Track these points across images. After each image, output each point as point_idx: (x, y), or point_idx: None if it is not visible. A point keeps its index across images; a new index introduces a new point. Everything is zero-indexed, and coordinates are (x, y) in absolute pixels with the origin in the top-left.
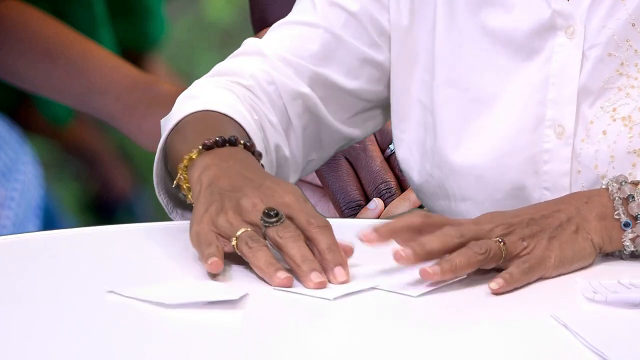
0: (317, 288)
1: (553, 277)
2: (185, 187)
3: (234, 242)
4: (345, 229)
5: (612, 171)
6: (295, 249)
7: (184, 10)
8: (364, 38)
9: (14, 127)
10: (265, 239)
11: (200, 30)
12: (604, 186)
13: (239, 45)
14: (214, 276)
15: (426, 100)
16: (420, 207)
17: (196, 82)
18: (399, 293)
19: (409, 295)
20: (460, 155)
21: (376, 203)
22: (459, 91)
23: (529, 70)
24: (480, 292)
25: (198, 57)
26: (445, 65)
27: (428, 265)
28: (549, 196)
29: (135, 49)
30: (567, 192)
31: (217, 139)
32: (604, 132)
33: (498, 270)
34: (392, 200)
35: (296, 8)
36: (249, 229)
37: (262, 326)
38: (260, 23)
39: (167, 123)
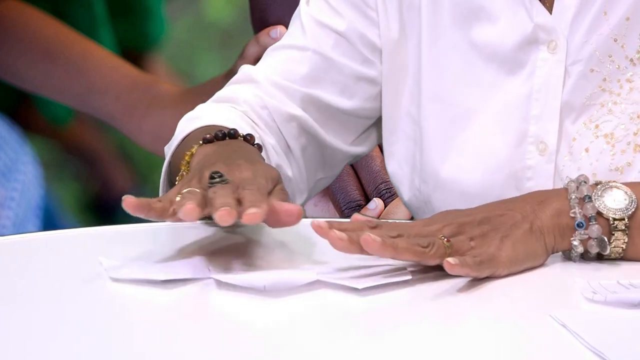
0: (222, 216)
1: (502, 277)
2: None
3: (177, 198)
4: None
5: None
6: (220, 199)
7: (184, 10)
8: (354, 56)
9: (14, 127)
10: None
11: (200, 30)
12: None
13: (239, 45)
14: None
15: (415, 114)
16: None
17: (197, 107)
18: (343, 285)
19: (354, 287)
20: (445, 170)
21: (376, 203)
22: (445, 106)
23: (512, 84)
24: (477, 292)
25: (198, 57)
26: (431, 80)
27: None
28: None
29: (135, 49)
30: None
31: (217, 132)
32: (587, 150)
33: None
34: (392, 200)
35: (287, 33)
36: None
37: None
38: (260, 23)
39: (171, 143)
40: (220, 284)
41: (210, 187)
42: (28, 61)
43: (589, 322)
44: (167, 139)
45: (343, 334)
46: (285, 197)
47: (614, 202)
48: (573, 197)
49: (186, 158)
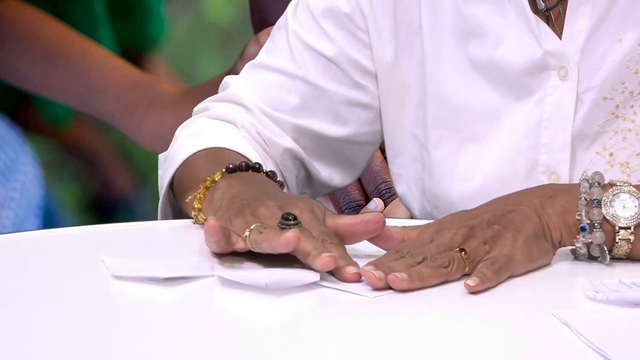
0: (327, 262)
1: (521, 275)
2: (197, 207)
3: (246, 234)
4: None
5: None
6: (310, 242)
7: (184, 10)
8: (345, 81)
9: (14, 127)
10: None
11: (200, 30)
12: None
13: (239, 45)
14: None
15: (422, 137)
16: None
17: (192, 120)
18: (353, 293)
19: (364, 296)
20: (455, 198)
21: (376, 203)
22: (451, 132)
23: (522, 110)
24: (479, 292)
25: (198, 57)
26: (435, 104)
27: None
28: None
29: (135, 49)
30: None
31: (242, 163)
32: None
33: None
34: (392, 200)
35: (272, 46)
36: (262, 224)
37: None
38: (260, 23)
39: (172, 160)
40: (222, 281)
41: (283, 227)
42: (28, 61)
43: (591, 321)
44: (167, 139)
45: (346, 333)
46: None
47: (624, 209)
48: (582, 197)
49: (207, 183)
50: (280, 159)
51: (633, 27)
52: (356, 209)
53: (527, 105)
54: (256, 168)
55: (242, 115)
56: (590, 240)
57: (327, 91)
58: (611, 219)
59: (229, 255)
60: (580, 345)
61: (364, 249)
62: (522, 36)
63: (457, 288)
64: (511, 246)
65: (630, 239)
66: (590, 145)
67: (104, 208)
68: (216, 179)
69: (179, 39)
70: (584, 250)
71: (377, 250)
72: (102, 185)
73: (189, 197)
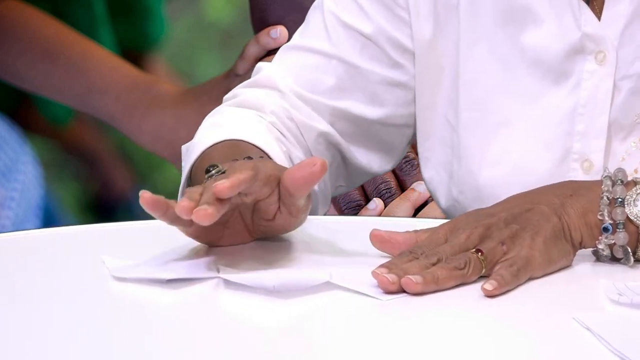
0: (181, 212)
1: (540, 277)
2: None
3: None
4: (349, 225)
5: None
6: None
7: (184, 10)
8: (383, 60)
9: (14, 127)
10: None
11: (200, 30)
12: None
13: (239, 45)
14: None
15: (453, 120)
16: (420, 208)
17: (218, 109)
18: (366, 295)
19: (377, 299)
20: (483, 183)
21: (376, 203)
22: (483, 114)
23: (556, 96)
24: (498, 296)
25: (198, 57)
26: (468, 85)
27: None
28: None
29: (135, 49)
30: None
31: (245, 159)
32: (636, 171)
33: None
34: (392, 200)
35: (307, 28)
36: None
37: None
38: (260, 23)
39: (191, 152)
40: (228, 283)
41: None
42: (28, 61)
43: (614, 325)
44: (167, 139)
45: (357, 338)
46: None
47: None
48: (604, 197)
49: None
50: (314, 144)
51: None
52: (356, 209)
53: (563, 90)
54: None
55: (273, 100)
56: (613, 241)
57: (364, 71)
58: (635, 219)
59: (235, 256)
60: (603, 351)
61: (375, 250)
62: (563, 17)
63: (473, 291)
64: (529, 247)
65: None
66: (627, 136)
67: (104, 208)
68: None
69: (179, 39)
70: (606, 252)
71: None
72: (102, 185)
73: None
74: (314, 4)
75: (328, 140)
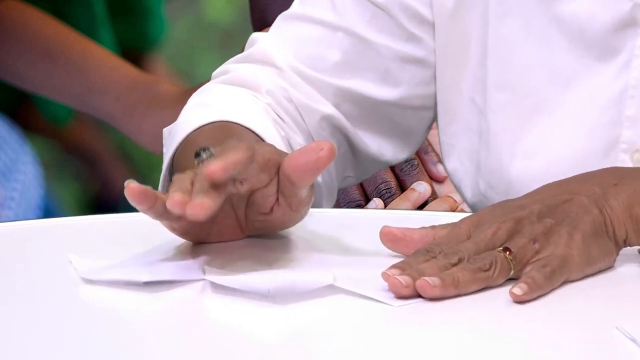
0: (173, 206)
1: (578, 280)
2: None
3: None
4: (356, 220)
5: None
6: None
7: (184, 10)
8: (396, 33)
9: (14, 127)
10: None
11: (200, 30)
12: None
13: (239, 45)
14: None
15: (480, 102)
16: (421, 207)
17: (206, 87)
18: (376, 300)
19: (388, 304)
20: (515, 178)
21: (376, 203)
22: (515, 97)
23: (602, 76)
24: (529, 300)
25: (198, 57)
26: (498, 63)
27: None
28: None
29: (135, 49)
30: None
31: None
32: None
33: None
34: (392, 200)
35: None
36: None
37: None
38: (260, 23)
39: (174, 135)
40: (215, 287)
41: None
42: (28, 61)
43: None
44: None
45: (363, 352)
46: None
47: None
48: None
49: (196, 169)
50: (317, 129)
51: None
52: (356, 209)
53: (610, 70)
54: None
55: (269, 78)
56: None
57: (375, 45)
58: None
59: (223, 255)
60: None
61: (387, 249)
62: None
63: (500, 296)
64: (566, 245)
65: None
66: None
67: (104, 208)
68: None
69: (179, 39)
70: None
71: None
72: (102, 185)
73: None
74: None
75: (333, 124)
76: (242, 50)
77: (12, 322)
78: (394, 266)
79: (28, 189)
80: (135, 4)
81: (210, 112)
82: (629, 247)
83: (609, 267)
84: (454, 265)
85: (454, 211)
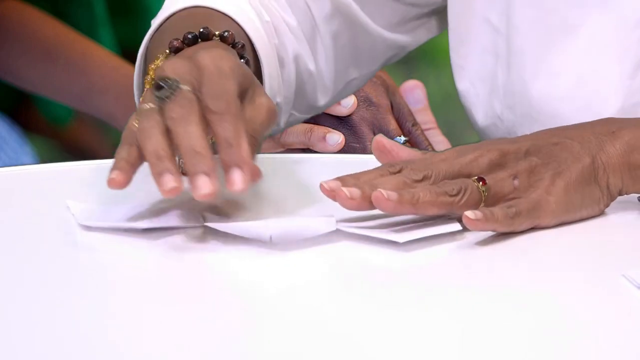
0: (169, 194)
1: (551, 227)
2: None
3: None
4: (348, 165)
5: None
6: (157, 140)
7: None
8: None
9: (14, 127)
10: None
11: None
12: None
13: None
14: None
15: (498, 22)
16: None
17: None
18: (377, 238)
19: (393, 241)
20: (537, 97)
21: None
22: (542, 13)
23: None
24: (534, 248)
25: None
26: None
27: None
28: None
29: (135, 49)
30: None
31: (188, 35)
32: None
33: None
34: None
35: None
36: (152, 105)
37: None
38: None
39: (153, 24)
40: (215, 234)
41: (159, 101)
42: (28, 61)
43: None
44: None
45: (369, 299)
46: (264, 120)
47: None
48: None
49: (150, 73)
50: (318, 3)
51: None
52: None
53: None
54: (205, 36)
55: None
56: None
57: None
58: None
59: (223, 203)
60: None
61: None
62: None
63: (507, 242)
64: (545, 190)
65: None
66: None
67: None
68: (158, 64)
69: None
70: None
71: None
72: None
73: (141, 98)
74: None
75: (335, 2)
76: None
77: (8, 270)
78: (337, 178)
79: None
80: (135, 4)
81: None
82: (626, 196)
83: (596, 215)
84: (418, 182)
85: None
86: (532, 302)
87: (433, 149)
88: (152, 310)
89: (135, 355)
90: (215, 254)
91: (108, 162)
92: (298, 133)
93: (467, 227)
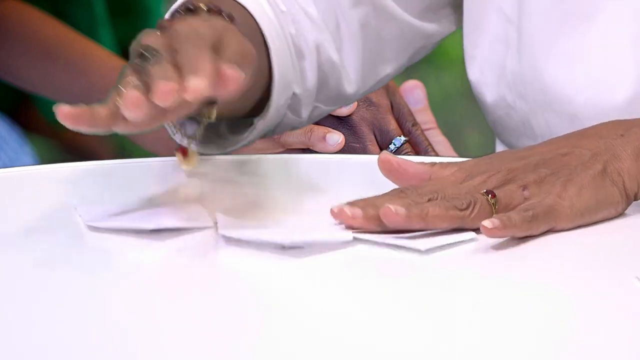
0: (163, 95)
1: (568, 230)
2: None
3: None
4: (351, 166)
5: None
6: (156, 74)
7: None
8: None
9: (14, 127)
10: None
11: None
12: None
13: None
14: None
15: (510, 11)
16: None
17: None
18: (402, 247)
19: (416, 250)
20: (550, 83)
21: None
22: (555, 1)
23: None
24: (547, 250)
25: None
26: None
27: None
28: None
29: None
30: None
31: (177, 10)
32: None
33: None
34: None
35: None
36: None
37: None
38: None
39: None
40: (227, 237)
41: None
42: (28, 61)
43: None
44: (167, 139)
45: (381, 299)
46: (239, 59)
47: None
48: None
49: None
50: None
51: None
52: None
53: None
54: (192, 9)
55: None
56: None
57: None
58: None
59: (234, 205)
60: None
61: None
62: None
63: (520, 245)
64: (557, 195)
65: None
66: None
67: None
68: None
69: None
70: None
71: None
72: None
73: None
74: None
75: None
76: None
77: (15, 271)
78: (348, 203)
79: None
80: (135, 4)
81: None
82: None
83: (622, 216)
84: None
85: None
86: (544, 302)
87: (433, 149)
88: (161, 312)
89: (146, 357)
90: (224, 255)
91: (108, 163)
92: (298, 133)
93: (486, 235)
